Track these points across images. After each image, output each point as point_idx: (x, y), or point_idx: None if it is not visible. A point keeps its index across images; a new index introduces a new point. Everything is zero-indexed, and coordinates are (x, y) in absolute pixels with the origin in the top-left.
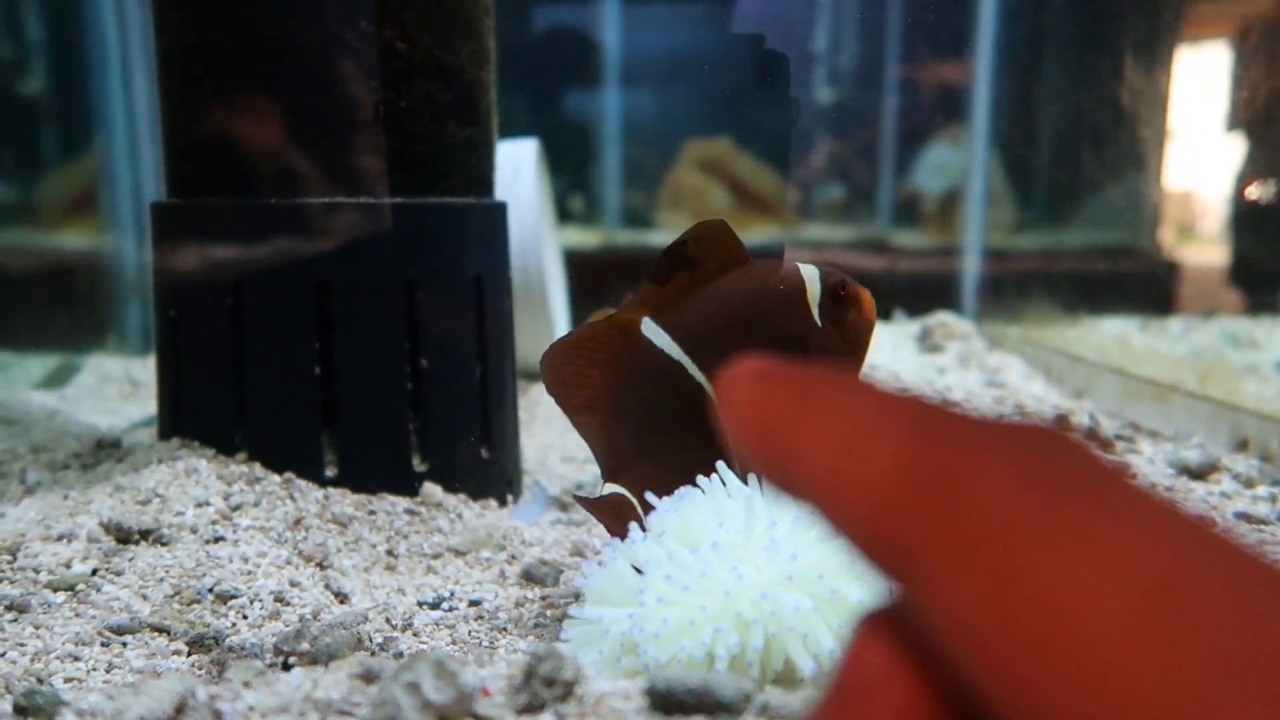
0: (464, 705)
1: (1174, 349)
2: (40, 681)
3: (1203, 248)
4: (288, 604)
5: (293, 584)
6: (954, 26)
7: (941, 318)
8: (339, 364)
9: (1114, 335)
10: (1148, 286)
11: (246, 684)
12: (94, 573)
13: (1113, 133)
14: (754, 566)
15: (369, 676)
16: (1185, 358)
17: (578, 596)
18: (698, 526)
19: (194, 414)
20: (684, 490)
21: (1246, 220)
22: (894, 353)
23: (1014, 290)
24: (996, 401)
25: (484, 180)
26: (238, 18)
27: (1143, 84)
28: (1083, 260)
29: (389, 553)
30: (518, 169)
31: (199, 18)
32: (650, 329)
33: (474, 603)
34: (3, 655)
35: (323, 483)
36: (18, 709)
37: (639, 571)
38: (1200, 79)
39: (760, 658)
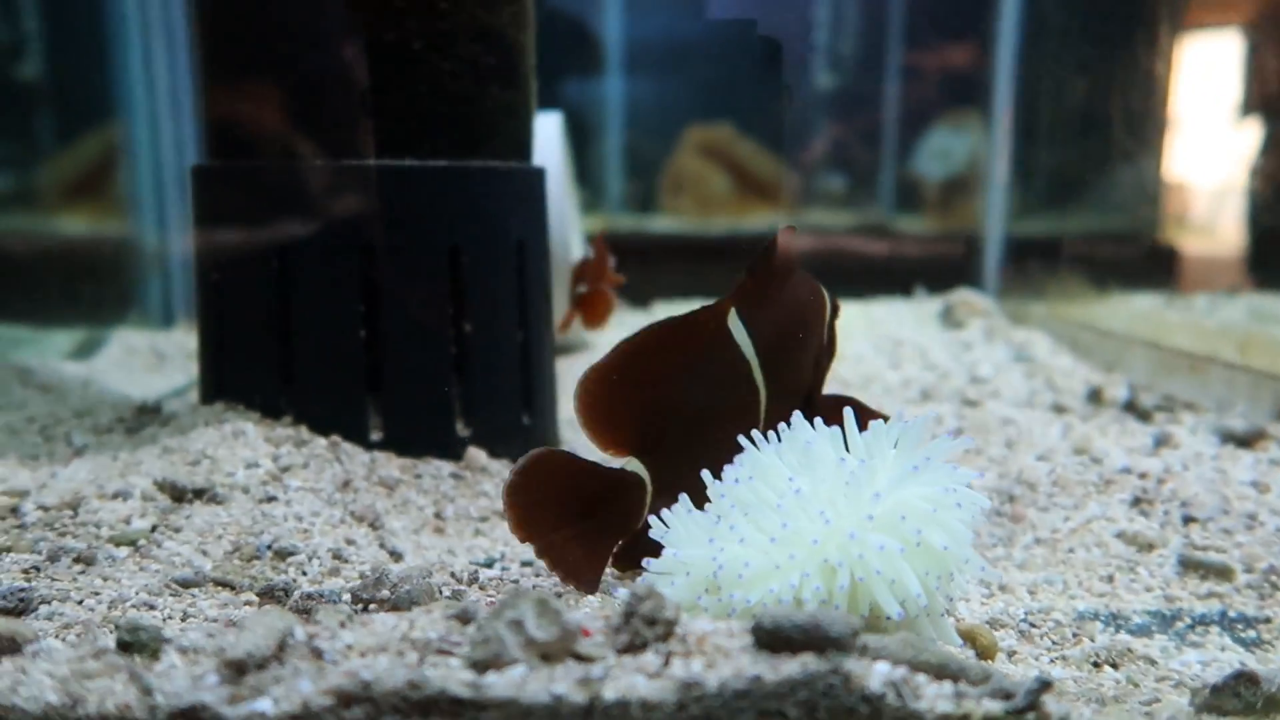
0: (566, 643)
1: (1203, 323)
2: (118, 628)
3: (1197, 235)
4: (346, 561)
5: (349, 542)
6: (957, 10)
7: (963, 294)
8: (383, 328)
9: (1141, 311)
10: (1150, 269)
11: (342, 624)
12: (153, 529)
13: (1120, 119)
14: (836, 512)
15: (465, 617)
16: (1217, 331)
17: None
18: (774, 474)
19: (238, 378)
20: (749, 447)
21: (1268, 202)
22: (917, 329)
23: (1035, 269)
24: (1026, 376)
25: (524, 145)
26: None
27: (1152, 71)
28: (1088, 244)
29: (437, 515)
30: (544, 142)
31: None
32: (735, 324)
33: (526, 563)
34: (80, 603)
35: (368, 446)
36: (121, 644)
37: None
38: (1208, 66)
39: (847, 600)
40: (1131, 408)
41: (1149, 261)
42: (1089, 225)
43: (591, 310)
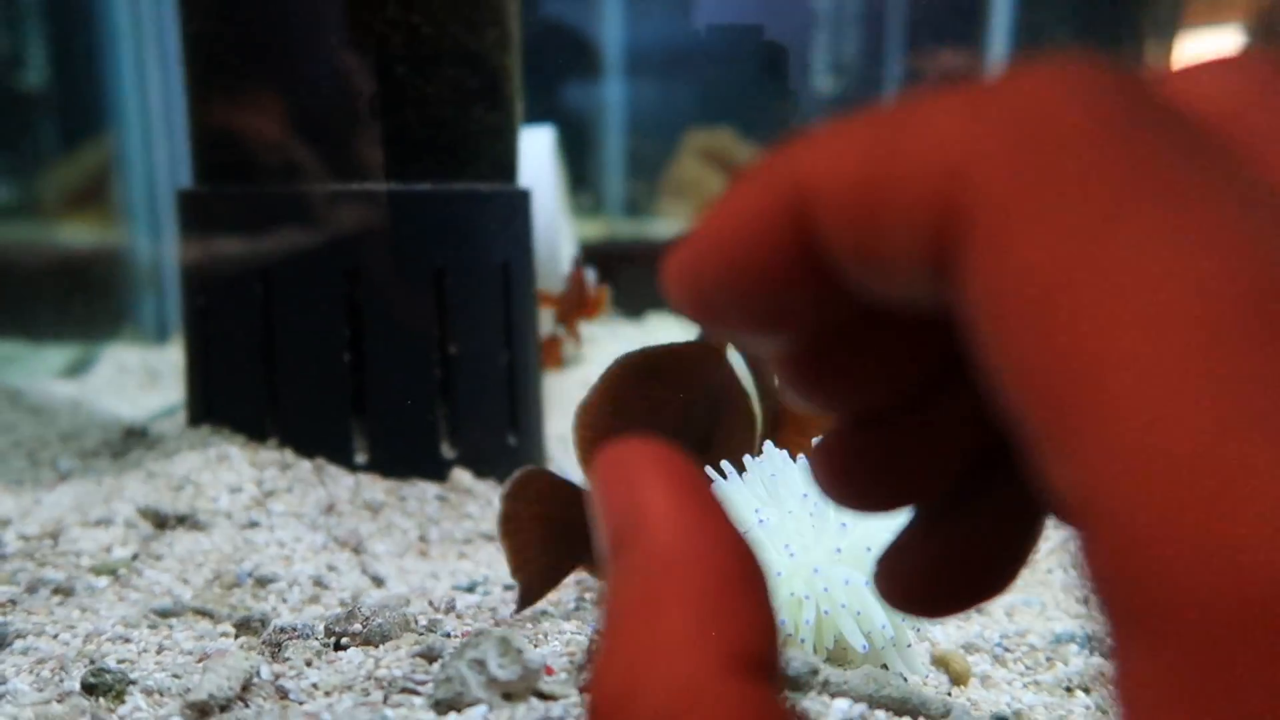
0: (529, 682)
1: None
2: (92, 662)
3: None
4: (326, 588)
5: (330, 568)
6: (959, 15)
7: None
8: (368, 351)
9: None
10: None
11: (309, 662)
12: (134, 557)
13: None
14: (802, 545)
15: (430, 655)
16: None
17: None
18: (739, 507)
19: (224, 401)
20: (720, 479)
21: None
22: None
23: None
24: None
25: (508, 166)
26: (267, 5)
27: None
28: None
29: (421, 538)
30: (534, 157)
31: (230, 3)
32: (734, 352)
33: (508, 587)
34: (55, 637)
35: (353, 468)
36: (86, 687)
37: None
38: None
39: (813, 634)
40: None
41: None
42: None
43: (548, 352)
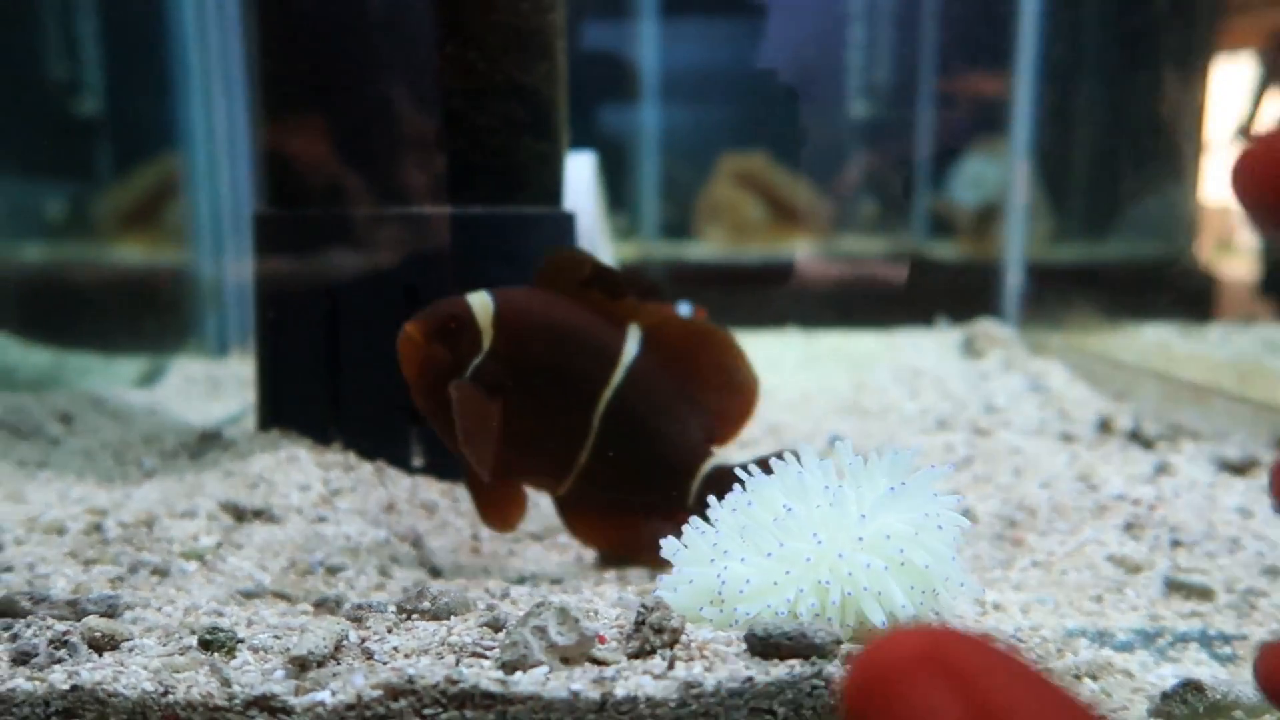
0: (584, 648)
1: (1214, 354)
2: (192, 632)
3: (1240, 259)
4: (390, 577)
5: (393, 559)
6: (990, 40)
7: (984, 325)
8: None
9: (1155, 342)
10: (1185, 296)
11: (390, 629)
12: (218, 545)
13: (1150, 144)
14: (828, 532)
15: (495, 625)
16: (1224, 363)
17: (652, 577)
18: (770, 498)
19: (292, 407)
20: (756, 470)
21: None
22: (939, 359)
23: (1056, 299)
24: (1039, 405)
25: (555, 192)
26: (336, 44)
27: (1180, 96)
28: (1121, 271)
29: (473, 536)
30: (577, 181)
31: (302, 42)
32: (633, 336)
33: (555, 581)
34: (159, 610)
35: (411, 471)
36: (203, 643)
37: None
38: (1235, 90)
39: (838, 613)
40: (1136, 437)
41: (1181, 287)
42: (1122, 251)
43: None
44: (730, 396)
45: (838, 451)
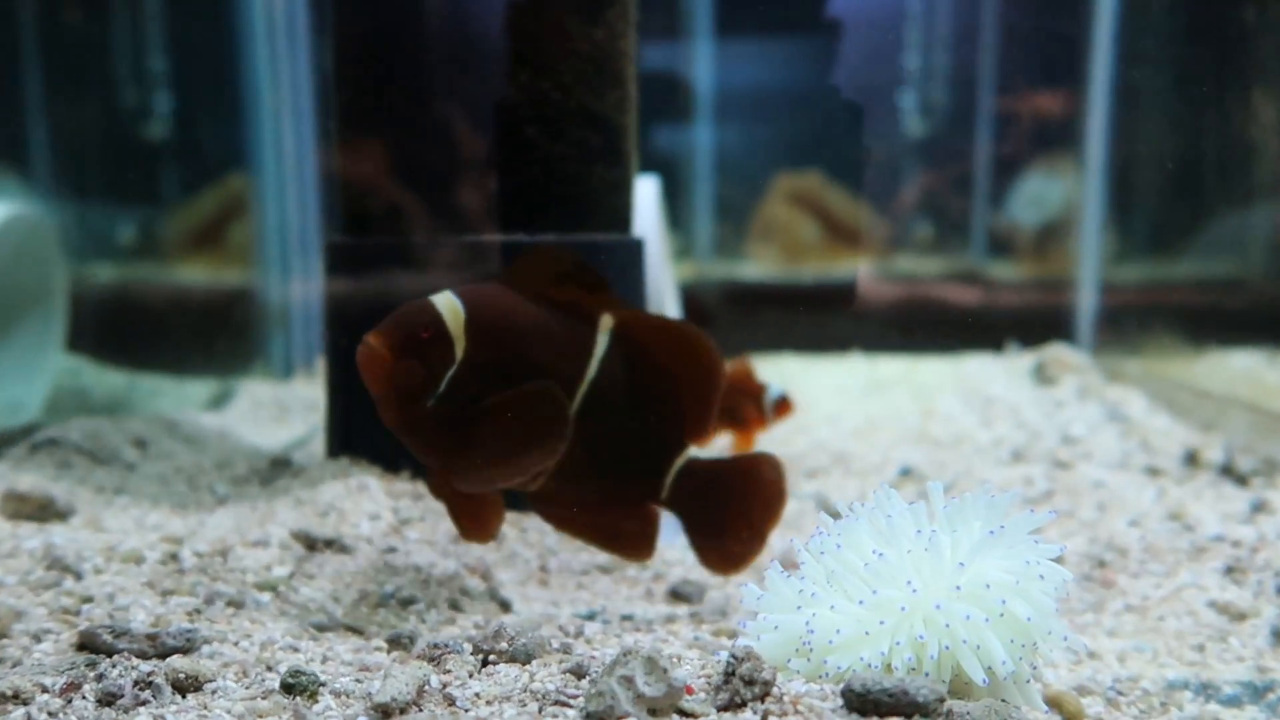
0: (673, 699)
1: None
2: (269, 669)
3: None
4: (461, 611)
5: (463, 592)
6: (1052, 57)
7: (1055, 350)
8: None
9: (1242, 369)
10: (1264, 320)
11: (471, 674)
12: (291, 576)
13: (1234, 161)
14: (923, 580)
15: (579, 672)
16: None
17: (724, 613)
18: (860, 541)
19: (361, 435)
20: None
21: None
22: (1009, 386)
23: (1131, 323)
24: (1120, 436)
25: (625, 218)
26: (409, 75)
27: (1263, 113)
28: (1193, 292)
29: (541, 568)
30: (643, 207)
31: (377, 74)
32: (604, 333)
33: (626, 617)
34: (235, 644)
35: None
36: (285, 687)
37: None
38: None
39: (936, 668)
40: (1228, 471)
41: (1259, 311)
42: (1195, 272)
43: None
44: (699, 390)
45: (929, 492)
